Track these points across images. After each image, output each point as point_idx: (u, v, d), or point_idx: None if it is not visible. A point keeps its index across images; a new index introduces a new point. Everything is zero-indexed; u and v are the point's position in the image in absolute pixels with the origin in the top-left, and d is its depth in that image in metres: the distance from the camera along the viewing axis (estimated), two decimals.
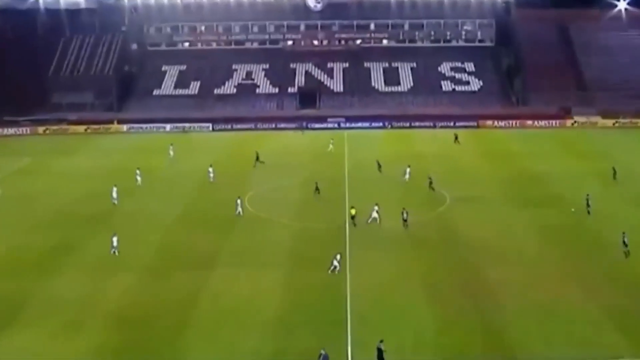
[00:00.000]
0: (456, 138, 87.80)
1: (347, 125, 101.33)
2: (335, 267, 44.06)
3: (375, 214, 53.70)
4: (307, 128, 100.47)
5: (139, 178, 67.48)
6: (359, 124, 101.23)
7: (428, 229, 53.42)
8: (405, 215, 53.36)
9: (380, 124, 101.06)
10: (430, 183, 64.09)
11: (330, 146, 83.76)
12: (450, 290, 41.69)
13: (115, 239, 48.36)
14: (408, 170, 67.29)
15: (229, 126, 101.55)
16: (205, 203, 61.48)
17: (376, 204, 54.45)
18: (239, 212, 56.56)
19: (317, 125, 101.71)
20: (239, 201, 57.58)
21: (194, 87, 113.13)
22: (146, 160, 77.62)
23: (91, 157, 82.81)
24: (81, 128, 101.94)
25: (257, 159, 75.18)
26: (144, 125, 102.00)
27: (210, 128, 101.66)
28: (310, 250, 48.87)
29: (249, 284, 43.05)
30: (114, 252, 48.08)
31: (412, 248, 49.19)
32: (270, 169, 74.00)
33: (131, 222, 55.97)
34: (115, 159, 79.87)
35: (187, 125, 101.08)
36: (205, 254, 48.07)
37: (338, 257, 44.64)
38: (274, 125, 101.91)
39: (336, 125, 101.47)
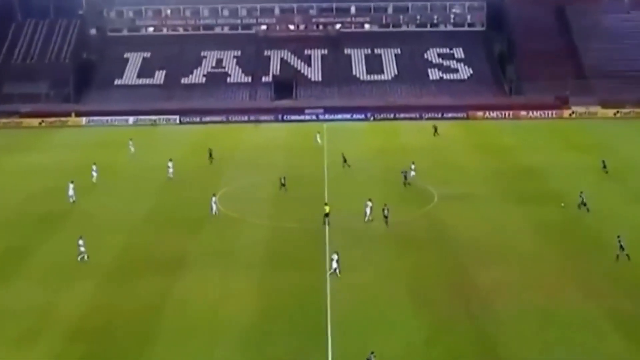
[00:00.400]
0: (435, 130, 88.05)
1: (327, 117, 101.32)
2: (335, 269, 44.10)
3: (368, 210, 54.11)
4: (282, 120, 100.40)
5: (94, 174, 67.64)
6: (339, 116, 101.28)
7: (415, 228, 53.54)
8: (386, 211, 53.63)
9: (362, 116, 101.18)
10: (405, 178, 64.63)
11: (318, 139, 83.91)
12: (439, 295, 41.75)
13: (81, 242, 47.97)
14: (413, 166, 66.96)
15: (198, 118, 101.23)
16: (171, 202, 61.30)
17: (369, 199, 54.79)
18: (215, 212, 56.68)
19: (293, 117, 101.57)
20: (214, 199, 57.69)
21: (159, 77, 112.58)
22: (106, 156, 77.37)
23: (46, 153, 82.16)
24: (35, 121, 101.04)
25: (211, 155, 74.88)
26: (104, 118, 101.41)
27: (178, 121, 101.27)
28: (286, 251, 48.85)
29: (221, 289, 42.91)
30: (83, 257, 47.64)
31: (398, 249, 49.23)
32: (242, 165, 73.87)
33: (90, 222, 55.67)
34: (72, 155, 79.33)
35: (154, 117, 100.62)
36: (173, 257, 47.85)
37: (335, 256, 44.49)
38: (246, 118, 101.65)
39: (314, 117, 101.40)
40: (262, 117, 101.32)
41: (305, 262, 46.59)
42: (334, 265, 44.18)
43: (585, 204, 56.05)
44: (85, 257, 47.54)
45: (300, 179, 67.00)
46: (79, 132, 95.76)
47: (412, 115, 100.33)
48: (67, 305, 41.22)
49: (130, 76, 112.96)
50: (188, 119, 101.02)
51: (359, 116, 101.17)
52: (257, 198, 62.16)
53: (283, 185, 63.35)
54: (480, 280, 43.53)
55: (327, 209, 54.00)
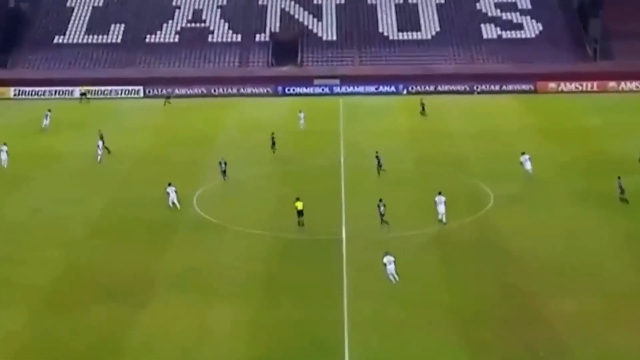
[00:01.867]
0: (423, 108, 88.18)
1: (343, 89, 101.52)
2: (391, 274, 45.73)
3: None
4: (283, 93, 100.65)
5: (3, 158, 71.01)
6: (361, 89, 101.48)
7: (463, 239, 53.89)
8: (382, 209, 55.42)
9: (392, 89, 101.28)
10: (379, 163, 66.60)
11: (301, 121, 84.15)
12: (495, 331, 41.75)
13: None
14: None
15: (169, 90, 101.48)
16: (127, 202, 61.93)
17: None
18: (173, 204, 59.09)
19: (299, 90, 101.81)
20: (170, 190, 59.45)
21: (116, 33, 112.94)
22: (42, 140, 78.23)
23: None
24: None
25: (104, 145, 74.91)
26: (39, 89, 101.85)
27: (141, 93, 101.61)
28: (289, 271, 49.06)
29: (198, 324, 42.98)
30: None
31: (441, 267, 49.49)
32: (229, 155, 74.06)
33: (15, 231, 56.37)
34: None
35: (89, 88, 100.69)
36: (132, 279, 48.02)
37: (387, 259, 46.28)
38: (235, 90, 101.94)
39: (327, 90, 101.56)
40: (257, 89, 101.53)
41: (315, 286, 46.74)
42: (391, 269, 46.00)
43: None
44: None
45: (307, 173, 67.29)
46: (4, 108, 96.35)
47: (460, 87, 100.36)
48: None
49: (76, 32, 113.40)
50: (155, 91, 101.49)
51: (387, 89, 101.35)
52: (249, 199, 62.39)
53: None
54: (549, 312, 43.55)
55: (299, 205, 55.67)
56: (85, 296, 46.29)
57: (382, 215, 55.81)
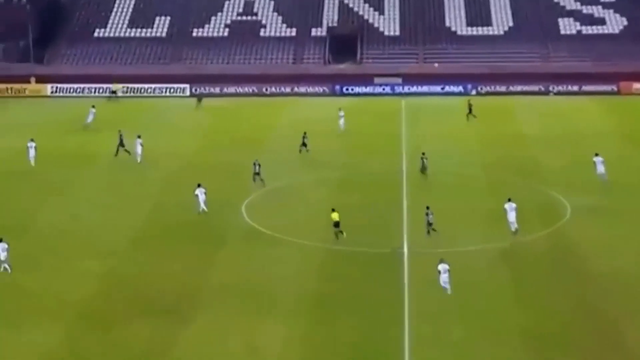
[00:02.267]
0: (470, 110, 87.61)
1: (406, 89, 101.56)
2: (445, 283, 46.12)
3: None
4: (341, 93, 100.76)
5: (31, 154, 72.43)
6: (425, 88, 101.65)
7: (537, 253, 53.53)
8: (430, 217, 55.78)
9: (459, 89, 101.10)
10: (423, 165, 68.14)
11: (340, 120, 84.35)
12: (569, 353, 41.37)
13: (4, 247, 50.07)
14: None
15: (217, 89, 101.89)
16: (171, 210, 62.28)
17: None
18: (203, 209, 59.79)
19: (357, 90, 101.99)
20: (199, 192, 60.28)
21: (161, 26, 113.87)
22: (83, 142, 78.84)
23: None
24: None
25: (121, 143, 75.61)
26: (79, 86, 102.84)
27: (187, 92, 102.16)
28: (345, 287, 48.92)
29: (246, 340, 43.04)
30: (4, 268, 49.74)
31: (510, 283, 49.18)
32: (281, 159, 74.37)
33: (52, 239, 56.72)
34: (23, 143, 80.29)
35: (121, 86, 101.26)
36: (176, 293, 48.18)
37: (442, 267, 46.69)
38: (288, 89, 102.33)
39: (388, 90, 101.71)
40: (312, 89, 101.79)
41: (374, 303, 46.60)
42: (444, 279, 46.34)
43: None
44: (7, 268, 49.76)
45: (365, 180, 67.29)
46: (41, 106, 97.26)
47: (534, 88, 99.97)
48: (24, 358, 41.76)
49: (117, 25, 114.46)
50: (202, 90, 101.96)
51: (454, 89, 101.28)
52: (302, 207, 62.50)
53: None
54: (634, 339, 43.03)
55: (335, 216, 55.76)
56: (125, 311, 46.45)
57: (429, 224, 55.92)
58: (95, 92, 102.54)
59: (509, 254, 53.62)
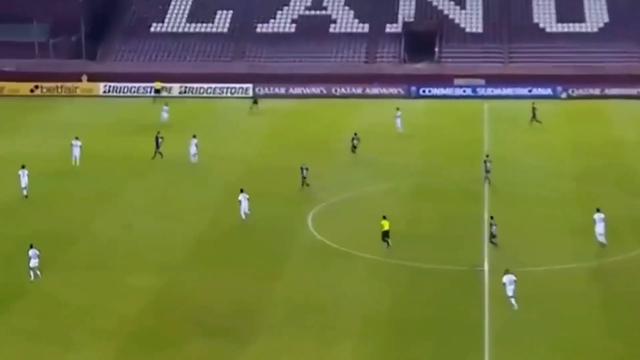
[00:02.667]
0: (534, 115, 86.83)
1: (489, 92, 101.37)
2: (511, 297, 46.74)
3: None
4: (417, 95, 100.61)
5: (75, 153, 74.31)
6: (510, 90, 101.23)
7: (630, 275, 52.84)
8: (493, 229, 56.16)
9: (549, 91, 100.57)
10: (486, 169, 67.91)
11: (397, 120, 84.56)
12: None
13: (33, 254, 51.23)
14: None
15: (282, 90, 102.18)
16: (233, 220, 62.34)
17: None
18: (245, 214, 61.04)
19: (435, 91, 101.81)
20: (242, 198, 61.31)
21: (222, 21, 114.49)
22: (137, 145, 79.74)
23: (41, 138, 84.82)
24: (25, 86, 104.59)
25: (158, 146, 76.63)
26: (133, 85, 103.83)
27: (250, 92, 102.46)
28: (418, 307, 48.85)
29: None
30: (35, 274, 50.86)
31: (600, 308, 48.62)
32: (351, 166, 74.39)
33: (104, 252, 57.32)
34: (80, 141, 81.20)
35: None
36: (236, 312, 48.32)
37: (507, 278, 47.26)
38: (360, 90, 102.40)
39: (469, 92, 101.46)
40: (386, 90, 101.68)
41: (450, 326, 46.40)
42: (510, 292, 47.01)
43: None
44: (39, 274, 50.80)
45: (442, 189, 67.31)
46: (93, 107, 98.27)
47: (632, 91, 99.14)
48: None
49: (176, 20, 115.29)
50: (266, 90, 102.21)
51: (542, 91, 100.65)
52: (372, 219, 62.23)
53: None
54: None
55: (385, 224, 56.12)
56: (180, 330, 46.65)
57: (493, 235, 55.98)
58: (150, 91, 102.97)
59: (600, 274, 53.11)
